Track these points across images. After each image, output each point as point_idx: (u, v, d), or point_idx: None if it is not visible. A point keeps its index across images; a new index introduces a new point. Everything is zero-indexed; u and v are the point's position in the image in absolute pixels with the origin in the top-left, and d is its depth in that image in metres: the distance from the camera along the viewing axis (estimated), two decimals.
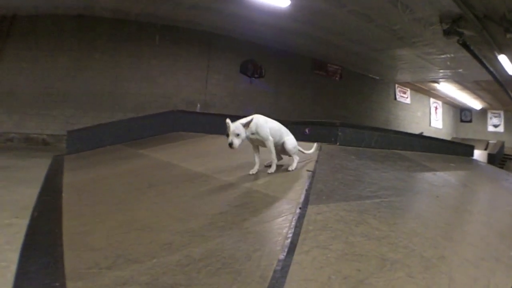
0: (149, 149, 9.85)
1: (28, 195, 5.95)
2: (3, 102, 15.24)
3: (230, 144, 5.16)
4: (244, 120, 5.39)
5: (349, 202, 4.65)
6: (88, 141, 12.31)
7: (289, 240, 3.33)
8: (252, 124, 5.45)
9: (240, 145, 5.24)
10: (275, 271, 2.85)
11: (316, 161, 6.39)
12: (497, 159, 29.24)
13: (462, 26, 14.77)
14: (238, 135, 5.20)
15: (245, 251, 3.24)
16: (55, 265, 3.20)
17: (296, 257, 3.06)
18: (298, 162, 6.10)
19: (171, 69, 18.41)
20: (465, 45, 16.22)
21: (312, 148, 6.59)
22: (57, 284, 2.86)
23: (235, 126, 5.26)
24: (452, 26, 14.83)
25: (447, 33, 15.21)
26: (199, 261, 3.09)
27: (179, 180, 6.14)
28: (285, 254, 3.09)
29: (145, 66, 17.75)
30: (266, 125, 5.67)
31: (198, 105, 18.34)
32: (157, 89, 17.93)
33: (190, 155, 8.57)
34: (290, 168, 5.94)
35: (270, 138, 5.65)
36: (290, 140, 6.04)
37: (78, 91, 16.22)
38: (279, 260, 3.00)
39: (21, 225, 4.32)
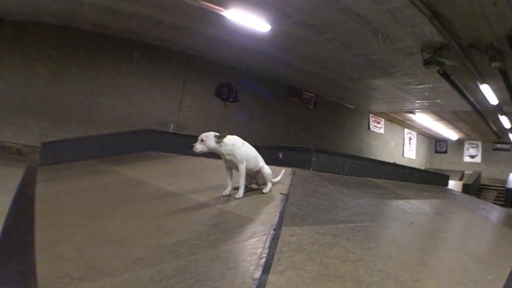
0: (121, 166, 9.79)
1: (2, 202, 5.89)
2: None
3: (192, 147, 5.27)
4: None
5: (323, 226, 4.62)
6: (62, 154, 12.27)
7: (263, 260, 3.29)
8: (228, 144, 5.50)
9: (202, 151, 5.32)
10: None
11: (290, 185, 6.37)
12: (473, 189, 29.50)
13: (443, 55, 14.85)
14: (203, 141, 5.31)
15: (219, 269, 3.19)
16: (28, 273, 3.15)
17: (271, 276, 3.01)
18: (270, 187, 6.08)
19: (147, 88, 18.38)
20: (445, 75, 16.33)
21: (279, 176, 6.56)
22: None
23: (205, 134, 5.36)
24: (433, 56, 14.90)
25: (427, 63, 15.27)
26: (172, 277, 3.03)
27: (151, 198, 6.11)
28: (260, 273, 3.05)
29: (121, 83, 17.70)
30: (243, 148, 5.67)
31: (172, 126, 18.30)
32: (132, 108, 17.87)
33: (163, 174, 8.52)
34: (264, 191, 5.93)
35: (244, 162, 5.63)
36: (266, 167, 6.05)
37: (55, 103, 16.12)
38: (253, 279, 2.95)
39: None
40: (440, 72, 15.89)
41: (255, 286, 2.84)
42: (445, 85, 18.19)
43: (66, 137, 14.43)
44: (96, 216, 5.01)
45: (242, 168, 5.60)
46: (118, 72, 17.69)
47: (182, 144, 11.40)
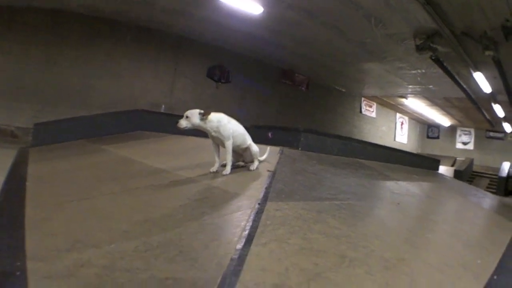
0: (112, 145, 9.76)
1: None
2: None
3: (176, 123, 5.56)
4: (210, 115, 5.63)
5: (309, 202, 4.69)
6: (54, 135, 12.22)
7: (246, 232, 3.35)
8: (214, 120, 5.65)
9: (186, 127, 5.58)
10: (232, 260, 2.87)
11: (277, 163, 6.46)
12: (465, 175, 29.46)
13: (436, 42, 14.72)
14: (187, 117, 5.56)
15: (202, 240, 3.26)
16: (17, 247, 3.19)
17: (254, 248, 3.08)
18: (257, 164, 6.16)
19: (140, 71, 18.29)
20: (438, 61, 16.21)
21: (265, 153, 6.63)
22: (18, 263, 2.86)
23: (190, 111, 5.61)
24: (426, 42, 14.76)
25: (420, 48, 15.14)
26: (156, 248, 3.10)
27: (141, 175, 6.12)
28: (242, 244, 3.11)
29: (114, 65, 17.60)
30: (229, 125, 5.75)
31: (163, 106, 18.25)
32: (125, 89, 17.78)
33: (152, 153, 8.53)
34: (251, 168, 6.04)
35: (231, 139, 5.72)
36: (254, 145, 6.14)
37: (48, 85, 16.01)
38: (236, 250, 3.01)
39: None
40: (433, 58, 15.80)
41: (236, 256, 2.90)
42: (438, 71, 18.10)
43: (58, 119, 14.40)
44: (86, 193, 5.02)
45: (229, 145, 5.69)
46: (111, 54, 17.60)
47: (173, 124, 11.39)
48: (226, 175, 5.69)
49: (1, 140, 14.19)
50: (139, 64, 18.26)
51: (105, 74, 17.33)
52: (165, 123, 12.05)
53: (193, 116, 5.55)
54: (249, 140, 6.09)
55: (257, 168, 6.04)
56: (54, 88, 16.10)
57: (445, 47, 14.99)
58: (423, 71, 19.93)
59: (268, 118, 22.16)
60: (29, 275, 2.69)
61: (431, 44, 14.88)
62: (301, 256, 3.13)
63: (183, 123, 5.52)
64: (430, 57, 15.80)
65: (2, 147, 11.61)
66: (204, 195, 4.75)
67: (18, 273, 2.73)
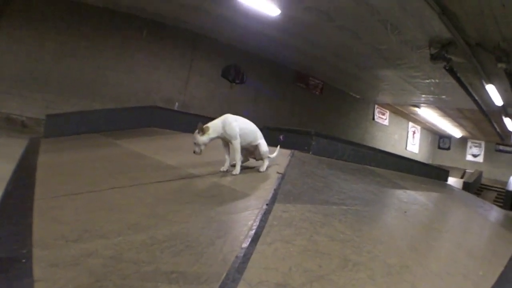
0: (124, 140, 9.83)
1: (4, 170, 5.97)
2: None
3: (194, 152, 5.69)
4: (209, 124, 5.70)
5: (316, 205, 4.69)
6: (66, 127, 12.28)
7: (253, 231, 3.38)
8: (218, 124, 5.70)
9: (201, 148, 5.69)
10: (237, 257, 2.89)
11: (287, 166, 6.45)
12: (473, 188, 29.34)
13: (451, 52, 14.67)
14: (195, 144, 5.64)
15: (209, 236, 3.29)
16: (24, 234, 3.23)
17: (259, 247, 3.11)
18: (268, 166, 6.18)
19: (154, 65, 18.31)
20: (451, 71, 16.14)
21: (275, 152, 6.62)
22: (24, 251, 2.90)
23: (193, 137, 5.67)
24: (441, 51, 14.70)
25: (434, 57, 15.09)
26: (163, 242, 3.13)
27: (151, 170, 6.19)
28: (248, 243, 3.14)
29: (128, 59, 17.64)
30: (235, 123, 5.76)
31: (176, 103, 18.28)
32: (138, 83, 17.82)
33: (164, 149, 8.57)
34: (261, 169, 6.05)
35: (238, 138, 5.75)
36: (264, 144, 6.15)
37: (61, 76, 16.03)
38: (241, 248, 3.04)
39: None
40: (447, 68, 15.74)
41: (242, 254, 2.93)
42: (451, 81, 18.05)
43: (71, 110, 14.43)
44: (95, 185, 5.06)
45: (236, 144, 5.74)
46: (126, 48, 17.64)
47: (186, 122, 11.43)
48: (236, 175, 5.73)
49: (12, 129, 14.23)
50: (154, 59, 18.32)
51: (119, 66, 17.38)
52: (178, 121, 12.10)
53: (197, 139, 5.62)
54: (260, 139, 6.12)
55: (266, 169, 6.06)
56: (67, 79, 16.15)
57: (459, 57, 14.96)
58: (437, 80, 19.88)
59: (280, 120, 22.17)
60: (34, 262, 2.74)
61: (446, 54, 14.83)
62: (305, 257, 3.15)
63: (196, 149, 5.68)
64: (444, 67, 15.75)
65: (13, 137, 11.66)
66: (212, 192, 4.76)
67: (23, 260, 2.77)
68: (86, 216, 3.80)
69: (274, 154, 6.55)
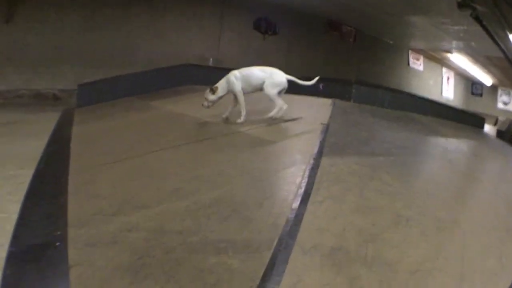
0: (160, 101, 9.76)
1: (35, 147, 5.68)
2: (13, 61, 14.95)
3: (202, 105, 6.58)
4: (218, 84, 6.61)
5: (362, 157, 4.61)
6: (100, 94, 12.15)
7: (302, 190, 3.23)
8: (223, 84, 6.56)
9: (209, 105, 6.54)
10: (288, 220, 2.75)
11: (330, 116, 6.33)
12: (506, 136, 28.94)
13: (475, 0, 14.50)
14: (206, 99, 6.56)
15: (256, 198, 3.15)
16: (58, 214, 3.05)
17: (310, 206, 2.97)
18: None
19: (184, 25, 18.09)
20: (477, 19, 15.92)
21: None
22: (58, 233, 2.74)
23: (205, 94, 6.64)
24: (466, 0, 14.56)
25: (461, 5, 14.86)
26: (208, 207, 2.99)
27: (188, 129, 6.13)
28: (298, 203, 2.99)
29: (157, 23, 17.41)
30: (234, 79, 6.52)
31: (211, 59, 18.15)
32: (169, 46, 17.61)
33: (200, 106, 8.46)
34: (269, 114, 6.16)
35: (240, 91, 6.40)
36: (270, 84, 6.30)
37: (89, 48, 15.87)
38: (292, 209, 2.90)
39: (26, 175, 4.03)
40: (473, 16, 15.52)
41: (293, 216, 2.79)
42: (478, 29, 17.61)
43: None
44: (132, 151, 4.92)
45: (240, 96, 6.37)
46: (154, 12, 17.40)
47: (221, 77, 11.40)
48: (241, 122, 6.07)
49: (45, 104, 14.18)
50: (184, 19, 18.08)
51: (148, 32, 17.17)
52: (214, 77, 12.06)
53: (208, 96, 6.49)
54: (268, 79, 6.34)
55: (274, 116, 6.12)
56: (96, 50, 15.98)
57: (483, 6, 14.67)
58: (465, 27, 19.48)
59: (315, 70, 21.91)
60: (70, 244, 2.57)
61: (471, 3, 14.59)
62: (357, 215, 3.04)
63: (205, 104, 6.53)
64: (471, 15, 15.48)
65: (45, 111, 11.57)
66: (255, 148, 4.67)
67: (58, 243, 2.59)
68: (124, 186, 3.65)
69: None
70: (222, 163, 4.14)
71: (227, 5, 18.37)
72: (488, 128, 23.29)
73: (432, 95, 28.53)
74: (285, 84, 6.28)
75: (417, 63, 29.26)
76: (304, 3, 19.79)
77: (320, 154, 4.24)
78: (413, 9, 17.74)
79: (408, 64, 28.50)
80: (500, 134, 26.08)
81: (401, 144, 6.08)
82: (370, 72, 24.92)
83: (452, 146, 7.78)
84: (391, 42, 26.24)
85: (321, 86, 8.56)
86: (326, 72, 21.73)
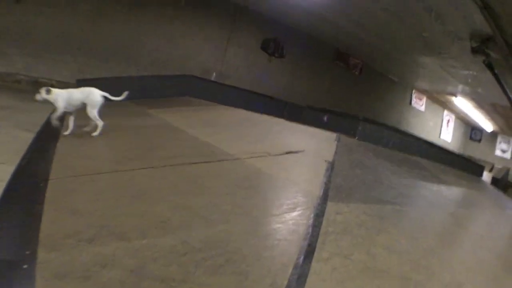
0: (158, 109, 9.54)
1: (22, 139, 5.42)
2: (18, 42, 14.76)
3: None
4: None
5: (369, 204, 4.40)
6: None
7: (306, 242, 2.93)
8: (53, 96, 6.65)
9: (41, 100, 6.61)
10: (289, 281, 2.42)
11: (335, 153, 6.10)
12: (501, 184, 29.16)
13: (490, 47, 14.46)
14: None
15: (254, 247, 2.80)
16: (31, 226, 2.74)
17: (315, 264, 2.68)
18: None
19: (192, 32, 17.98)
20: (490, 67, 15.92)
21: (123, 96, 7.10)
22: (27, 252, 2.42)
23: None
24: (481, 46, 14.51)
25: (475, 51, 14.87)
26: (198, 251, 2.63)
27: (184, 147, 5.76)
28: (301, 259, 2.67)
29: (166, 25, 17.31)
30: (60, 101, 6.69)
31: (214, 74, 18.00)
32: (175, 50, 17.50)
33: (200, 123, 8.18)
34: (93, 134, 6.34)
35: (61, 108, 6.52)
36: (93, 111, 6.64)
37: (95, 40, 15.73)
38: (294, 266, 2.56)
39: (6, 172, 3.73)
40: (486, 63, 15.50)
41: (295, 276, 2.46)
42: (489, 76, 17.63)
43: (103, 75, 14.17)
44: (122, 162, 4.61)
45: (59, 110, 6.53)
46: (163, 14, 17.30)
47: (222, 93, 11.26)
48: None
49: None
50: (192, 27, 17.98)
51: (155, 32, 17.06)
52: (215, 92, 11.98)
53: (42, 93, 6.54)
54: (90, 107, 6.61)
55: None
56: (101, 42, 15.82)
57: (497, 54, 14.65)
58: (475, 73, 19.52)
59: (317, 98, 21.93)
60: (38, 270, 2.25)
61: (485, 49, 14.57)
62: (365, 278, 2.80)
63: (37, 97, 6.54)
64: (483, 61, 15.46)
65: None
66: (253, 181, 4.32)
67: (25, 266, 2.29)
68: (106, 205, 3.29)
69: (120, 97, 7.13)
70: (218, 194, 3.80)
71: (238, 19, 18.30)
72: (484, 174, 23.43)
73: (430, 137, 28.61)
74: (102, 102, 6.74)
75: (419, 103, 29.36)
76: (314, 29, 19.74)
77: (325, 197, 3.99)
78: (424, 48, 17.65)
79: (410, 103, 28.63)
80: (495, 181, 26.36)
81: (406, 192, 5.97)
82: (372, 106, 24.92)
83: (453, 196, 7.86)
84: (395, 79, 26.30)
85: (325, 118, 8.40)
86: (329, 100, 21.72)
